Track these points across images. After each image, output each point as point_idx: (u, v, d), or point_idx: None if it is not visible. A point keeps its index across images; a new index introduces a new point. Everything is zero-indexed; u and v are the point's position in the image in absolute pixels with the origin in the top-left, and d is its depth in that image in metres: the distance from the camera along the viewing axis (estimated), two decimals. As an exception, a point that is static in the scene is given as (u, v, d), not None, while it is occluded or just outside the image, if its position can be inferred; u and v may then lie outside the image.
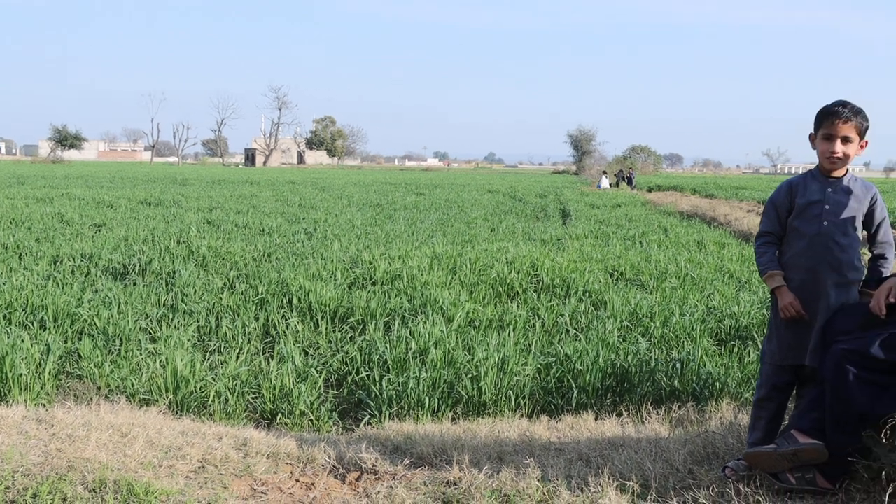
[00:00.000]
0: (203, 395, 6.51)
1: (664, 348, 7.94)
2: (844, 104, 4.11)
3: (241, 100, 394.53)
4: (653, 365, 7.09)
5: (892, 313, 3.67)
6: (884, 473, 3.60)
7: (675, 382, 6.86)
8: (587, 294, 10.33)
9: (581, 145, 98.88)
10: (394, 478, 4.39)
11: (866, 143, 4.19)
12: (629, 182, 53.37)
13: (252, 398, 6.66)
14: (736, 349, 7.95)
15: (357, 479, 4.45)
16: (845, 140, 4.10)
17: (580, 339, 8.01)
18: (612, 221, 22.17)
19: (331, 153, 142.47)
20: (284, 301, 9.41)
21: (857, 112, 4.09)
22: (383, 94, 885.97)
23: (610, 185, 53.80)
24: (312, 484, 4.39)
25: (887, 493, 3.45)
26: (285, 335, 8.22)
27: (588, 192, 42.63)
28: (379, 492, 4.16)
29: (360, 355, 7.43)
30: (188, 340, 7.78)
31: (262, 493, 4.23)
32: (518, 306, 9.64)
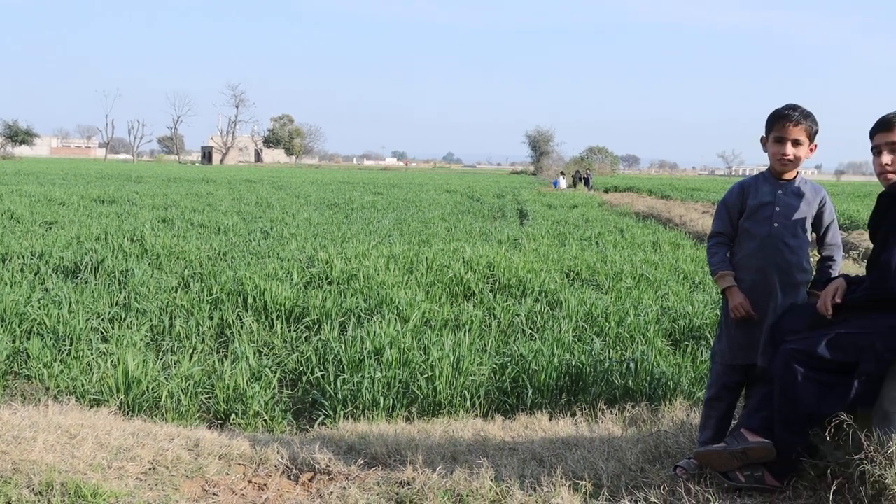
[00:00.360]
0: (155, 395, 6.43)
1: (619, 348, 7.99)
2: (795, 108, 4.17)
3: (197, 97, 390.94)
4: (607, 365, 7.14)
5: (839, 314, 3.73)
6: (829, 471, 3.66)
7: (629, 382, 6.91)
8: (543, 294, 10.37)
9: (539, 146, 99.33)
10: (347, 478, 4.37)
11: (815, 146, 4.25)
12: (586, 183, 53.72)
13: (205, 398, 6.59)
14: (689, 349, 8.03)
15: (310, 480, 4.42)
16: (796, 143, 4.16)
17: (535, 339, 8.04)
18: (568, 222, 22.29)
19: (289, 152, 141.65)
20: (239, 300, 9.33)
21: (807, 115, 4.16)
22: (342, 93, 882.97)
23: (567, 185, 54.10)
24: (265, 485, 4.35)
25: (832, 490, 3.51)
26: (240, 335, 8.15)
27: (545, 192, 42.83)
28: (332, 492, 4.13)
29: (315, 355, 7.39)
30: (141, 340, 7.68)
31: (214, 494, 4.19)
32: (474, 306, 9.65)
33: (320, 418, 6.39)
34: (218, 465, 4.50)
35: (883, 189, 3.78)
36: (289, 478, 4.48)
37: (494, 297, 10.24)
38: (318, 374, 7.03)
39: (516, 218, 24.68)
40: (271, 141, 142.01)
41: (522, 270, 11.63)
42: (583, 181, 54.80)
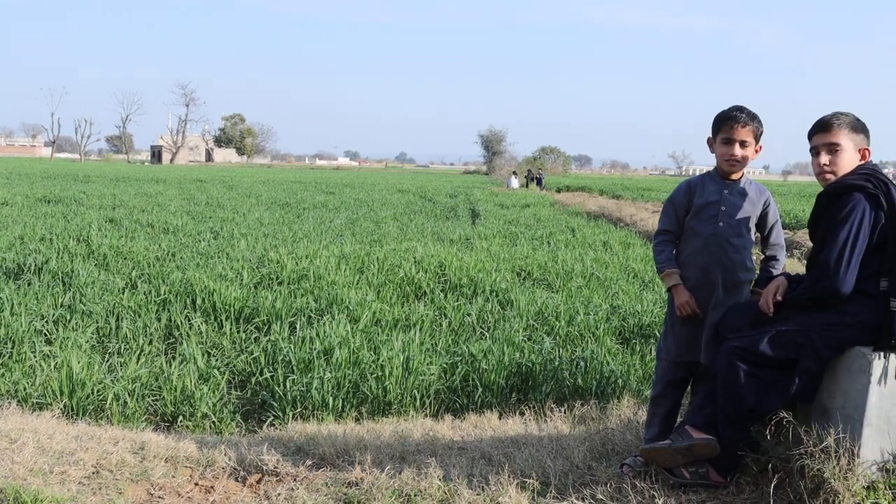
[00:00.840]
0: (100, 398, 6.33)
1: (569, 347, 8.04)
2: (741, 109, 4.23)
3: (146, 96, 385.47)
4: (557, 363, 7.18)
5: (780, 312, 3.79)
6: (770, 466, 3.73)
7: (579, 380, 6.96)
8: (494, 293, 10.41)
9: (492, 146, 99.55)
10: (295, 479, 4.34)
11: (761, 147, 4.32)
12: (538, 183, 53.95)
13: (152, 401, 6.50)
14: (638, 347, 8.11)
15: (258, 482, 4.39)
16: (743, 144, 4.22)
17: (486, 339, 8.06)
18: (520, 221, 22.38)
19: (240, 151, 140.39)
20: (188, 301, 9.23)
21: (753, 117, 4.22)
22: (295, 93, 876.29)
23: (519, 185, 54.31)
24: (212, 487, 4.31)
25: (772, 485, 3.57)
26: (188, 336, 8.06)
27: (498, 192, 42.96)
28: (280, 494, 4.11)
29: (265, 356, 7.34)
30: (86, 342, 7.56)
31: (160, 497, 4.14)
32: (425, 306, 9.65)
33: (269, 419, 6.34)
34: (164, 468, 4.45)
35: (822, 189, 3.84)
36: (236, 480, 4.45)
37: (445, 296, 10.25)
38: (268, 374, 6.98)
39: (468, 217, 24.72)
40: (222, 140, 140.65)
41: (474, 270, 11.66)
42: (535, 181, 55.04)
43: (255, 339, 8.11)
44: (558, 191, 49.01)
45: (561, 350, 7.76)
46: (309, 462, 4.57)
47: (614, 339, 8.41)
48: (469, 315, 9.17)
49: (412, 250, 13.29)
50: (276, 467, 4.48)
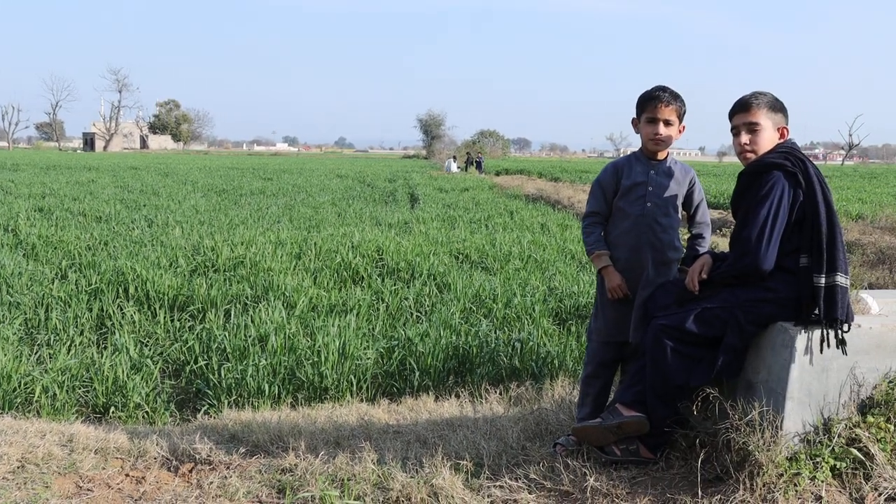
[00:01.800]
0: (28, 391, 6.20)
1: (506, 329, 8.08)
2: (664, 89, 4.27)
3: (77, 82, 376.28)
4: (493, 346, 7.22)
5: (705, 289, 3.85)
6: (698, 441, 3.79)
7: (515, 362, 7.01)
8: (432, 277, 10.42)
9: (431, 130, 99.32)
10: (228, 467, 4.30)
11: (684, 127, 4.36)
12: (478, 166, 54.02)
13: (83, 392, 6.39)
14: (574, 328, 8.19)
15: (190, 471, 4.33)
16: (667, 123, 4.25)
17: (423, 322, 8.06)
18: (459, 205, 22.41)
19: (176, 138, 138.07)
20: (121, 290, 9.08)
21: (676, 97, 4.26)
22: (231, 78, 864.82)
23: (458, 169, 54.33)
24: (143, 478, 4.24)
25: (700, 459, 3.63)
26: (121, 325, 7.93)
27: (437, 176, 42.93)
28: (212, 482, 4.06)
29: (199, 344, 7.25)
30: (13, 334, 7.39)
31: (89, 490, 4.06)
32: (362, 291, 9.62)
33: (204, 408, 6.28)
34: (93, 460, 4.36)
35: (743, 168, 3.91)
36: (168, 469, 4.38)
37: (383, 281, 10.23)
38: (202, 363, 6.90)
39: (407, 202, 24.70)
40: (157, 127, 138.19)
41: (412, 254, 11.66)
42: (474, 164, 55.10)
43: (189, 327, 8.01)
44: (497, 174, 49.16)
45: (498, 332, 7.79)
46: (243, 450, 4.52)
47: (551, 321, 8.48)
48: (406, 299, 9.17)
49: (350, 235, 13.23)
50: (209, 456, 4.43)
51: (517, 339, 7.41)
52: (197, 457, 4.43)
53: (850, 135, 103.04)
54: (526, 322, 8.25)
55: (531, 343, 7.28)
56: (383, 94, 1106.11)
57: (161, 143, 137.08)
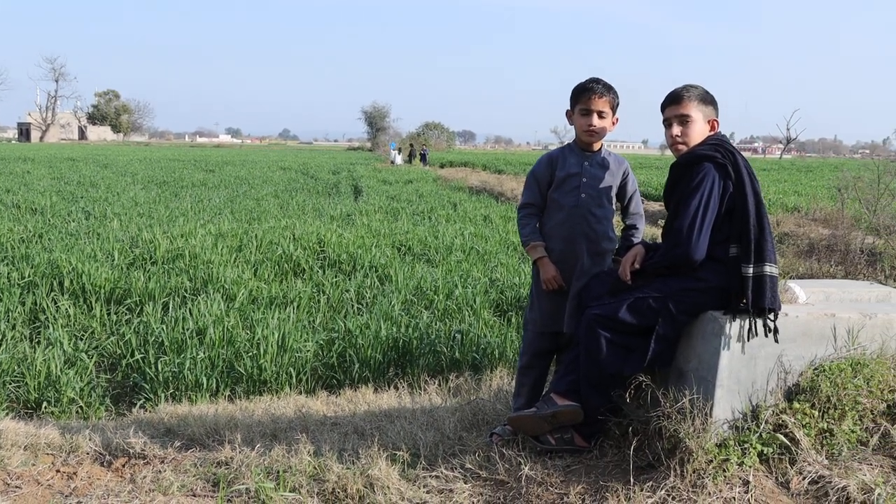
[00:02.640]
0: (-44, 387, 6.06)
1: (447, 320, 8.10)
2: (598, 81, 4.30)
3: (11, 70, 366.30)
4: (434, 337, 7.23)
5: (638, 279, 3.90)
6: (631, 429, 3.85)
7: (456, 353, 7.03)
8: (374, 269, 10.40)
9: (375, 122, 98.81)
10: (163, 461, 4.25)
11: (617, 119, 4.40)
12: (422, 158, 54.01)
13: (14, 388, 6.26)
14: (515, 319, 8.23)
15: (123, 466, 4.28)
16: (601, 115, 4.28)
17: (364, 314, 8.05)
18: (402, 197, 22.38)
19: (115, 129, 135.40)
20: (55, 283, 8.91)
21: (610, 88, 4.29)
22: (172, 69, 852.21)
23: (403, 161, 54.27)
24: (74, 473, 4.17)
25: (632, 447, 3.68)
26: (55, 319, 7.78)
27: (381, 168, 42.84)
28: (145, 476, 4.01)
29: (136, 337, 7.15)
30: (-58, 329, 7.21)
31: (17, 486, 3.98)
32: (303, 283, 9.57)
33: (140, 402, 6.20)
34: (23, 456, 4.28)
35: (675, 160, 3.96)
36: (101, 465, 4.32)
37: (324, 273, 10.19)
38: (139, 356, 6.81)
39: (351, 194, 24.60)
40: (96, 118, 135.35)
41: (353, 246, 11.63)
42: (419, 157, 55.08)
43: (126, 320, 7.89)
44: (441, 166, 49.18)
45: (439, 324, 7.81)
46: (178, 443, 4.48)
47: (491, 312, 8.52)
48: (348, 291, 9.14)
49: (291, 227, 13.14)
50: (143, 450, 4.37)
51: (457, 330, 7.43)
52: (131, 451, 4.38)
53: (788, 129, 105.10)
54: (467, 314, 8.28)
55: (471, 334, 7.31)
56: (328, 86, 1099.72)
57: (100, 134, 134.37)
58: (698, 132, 3.88)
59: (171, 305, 8.17)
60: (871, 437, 3.70)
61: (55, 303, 8.28)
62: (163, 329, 7.17)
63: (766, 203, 19.69)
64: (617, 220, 4.49)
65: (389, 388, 6.34)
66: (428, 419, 4.80)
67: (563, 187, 4.37)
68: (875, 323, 3.84)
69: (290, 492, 3.73)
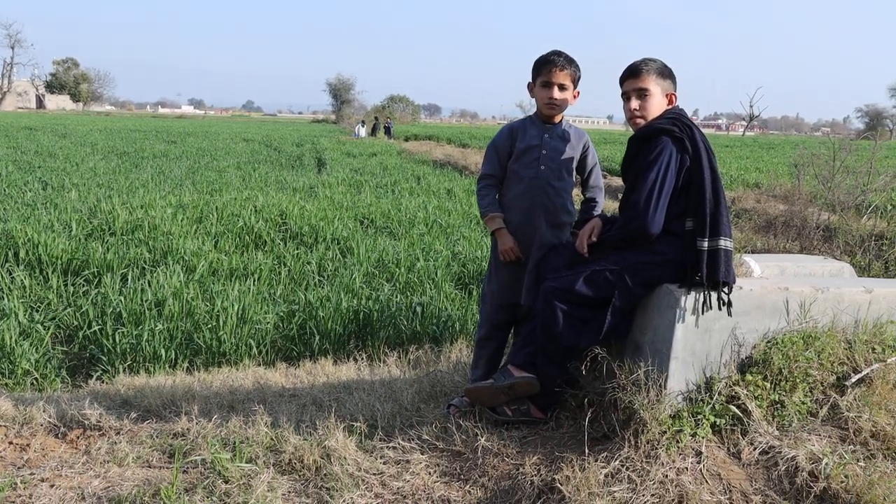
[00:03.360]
0: None
1: (408, 293, 8.10)
2: (559, 53, 4.29)
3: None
4: (394, 310, 7.23)
5: (596, 252, 3.92)
6: (586, 400, 3.88)
7: (416, 326, 7.04)
8: (336, 242, 10.37)
9: (340, 94, 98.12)
10: (118, 433, 4.22)
11: (578, 92, 4.40)
12: (387, 131, 53.76)
13: (-33, 360, 6.17)
14: (476, 292, 8.25)
15: (78, 437, 4.24)
16: (562, 87, 4.28)
17: (325, 287, 8.03)
18: (366, 170, 22.30)
19: (75, 98, 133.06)
20: (10, 254, 8.78)
21: (571, 61, 4.29)
22: (134, 37, 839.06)
23: (367, 134, 54.00)
24: (27, 445, 4.13)
25: (587, 419, 3.72)
26: (10, 290, 7.67)
27: (346, 141, 42.58)
28: (100, 448, 3.98)
29: (94, 309, 7.07)
30: None
31: (-31, 457, 3.94)
32: (264, 255, 9.52)
33: (97, 374, 6.14)
34: (-25, 428, 4.24)
35: (633, 133, 3.97)
36: (55, 436, 4.28)
37: (285, 245, 10.14)
38: (96, 328, 6.74)
39: (314, 166, 24.45)
40: (55, 86, 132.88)
41: (316, 218, 11.57)
42: (384, 130, 54.83)
43: (84, 292, 7.80)
44: (406, 139, 49.02)
45: (400, 297, 7.81)
46: (134, 415, 4.45)
47: (453, 285, 8.53)
48: (309, 263, 9.11)
49: (253, 199, 13.05)
50: (98, 421, 4.34)
51: (418, 303, 7.44)
52: (86, 423, 4.34)
53: (751, 106, 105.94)
54: (428, 287, 8.28)
55: (432, 307, 7.32)
56: (293, 57, 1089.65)
57: (59, 103, 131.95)
58: (656, 106, 3.89)
59: (129, 277, 8.08)
60: (821, 408, 3.76)
61: (10, 274, 8.17)
62: (121, 300, 7.10)
63: (728, 179, 19.94)
64: (577, 193, 4.50)
65: (349, 360, 6.34)
66: (386, 391, 4.81)
67: (522, 159, 4.36)
68: (827, 297, 3.89)
69: (246, 463, 3.72)
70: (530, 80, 4.39)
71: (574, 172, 4.48)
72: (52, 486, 3.57)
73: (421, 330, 7.01)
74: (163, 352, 6.32)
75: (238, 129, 58.97)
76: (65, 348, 6.66)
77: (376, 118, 62.87)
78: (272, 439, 3.96)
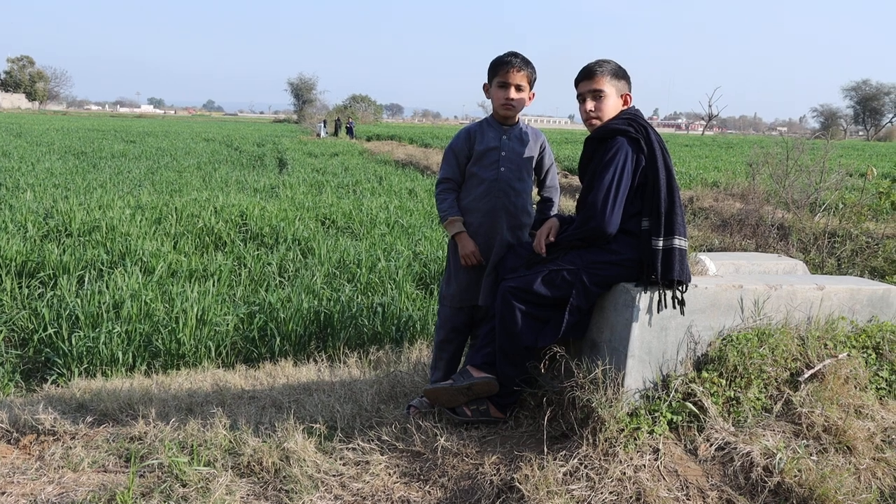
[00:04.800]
0: None
1: (369, 294, 8.08)
2: (515, 55, 4.30)
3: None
4: (355, 310, 7.22)
5: (553, 252, 3.94)
6: (545, 400, 3.90)
7: (377, 326, 7.03)
8: (296, 242, 10.32)
9: (302, 94, 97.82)
10: (73, 437, 4.17)
11: (534, 94, 4.42)
12: (349, 131, 53.64)
13: (-83, 365, 6.07)
14: (437, 292, 8.25)
15: (31, 443, 4.18)
16: (518, 88, 4.29)
17: (286, 287, 7.99)
18: (328, 170, 22.23)
19: (31, 97, 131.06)
20: (-38, 257, 8.63)
21: (527, 63, 4.30)
22: (91, 35, 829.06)
23: (328, 133, 53.83)
24: (-21, 451, 4.07)
25: (546, 417, 3.74)
26: (-38, 294, 7.55)
27: (307, 141, 42.42)
28: (54, 453, 3.93)
29: (49, 311, 6.98)
30: None
31: (-82, 465, 3.87)
32: (224, 256, 9.45)
33: (52, 378, 6.06)
34: (-76, 435, 4.16)
35: (589, 134, 4.00)
36: (8, 442, 4.21)
37: (246, 245, 10.08)
38: (52, 331, 6.65)
39: (275, 166, 24.32)
40: (9, 85, 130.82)
41: (276, 219, 11.52)
42: (345, 129, 54.69)
43: (39, 294, 7.70)
44: (368, 139, 48.92)
45: (361, 297, 7.79)
46: (90, 419, 4.40)
47: (414, 285, 8.53)
48: (270, 264, 9.06)
49: (213, 200, 12.95)
50: (53, 426, 4.28)
51: (379, 303, 7.43)
52: (40, 428, 4.28)
53: (710, 106, 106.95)
54: (389, 287, 8.27)
55: (393, 307, 7.32)
56: (254, 57, 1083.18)
57: (14, 101, 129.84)
58: (612, 107, 3.93)
59: (86, 279, 7.98)
60: (775, 404, 3.82)
61: (-37, 277, 8.04)
62: (77, 303, 7.01)
63: (687, 178, 20.11)
64: (532, 193, 4.52)
65: (309, 361, 6.32)
66: (346, 392, 4.80)
67: (482, 161, 4.37)
68: (780, 294, 3.95)
69: (204, 466, 3.69)
70: (486, 82, 4.40)
71: (532, 173, 4.50)
72: (2, 493, 3.52)
73: (382, 330, 7.01)
74: (120, 355, 6.25)
75: (199, 128, 58.49)
76: (19, 352, 6.57)
77: (338, 118, 62.67)
78: (231, 442, 3.94)
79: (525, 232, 4.41)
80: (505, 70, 4.26)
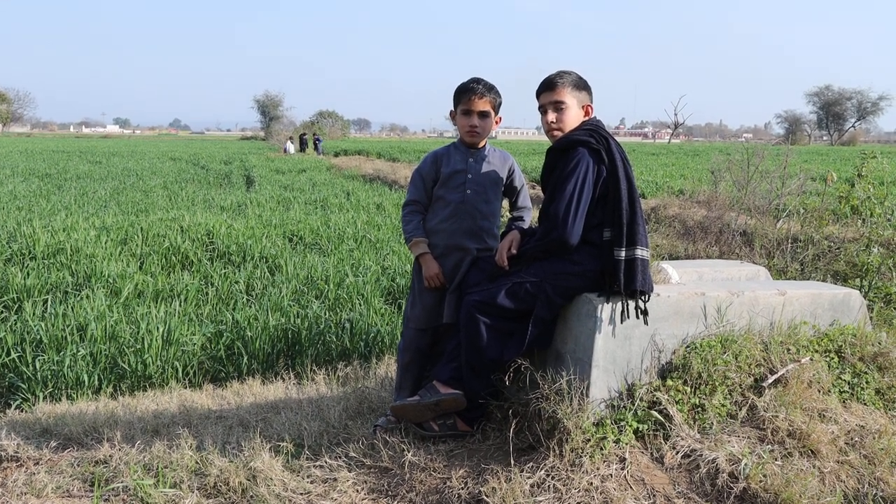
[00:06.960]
0: None
1: (337, 310, 8.05)
2: (479, 81, 4.32)
3: None
4: (323, 327, 7.19)
5: (516, 264, 3.95)
6: (511, 412, 3.91)
7: (346, 342, 7.00)
8: (264, 259, 10.28)
9: (268, 111, 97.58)
10: (37, 463, 4.12)
11: (500, 118, 4.44)
12: (316, 147, 53.57)
13: None
14: (405, 306, 8.23)
15: (-6, 470, 4.12)
16: (482, 115, 4.30)
17: (253, 306, 7.95)
18: (296, 187, 22.18)
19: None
20: (-76, 282, 8.51)
21: (491, 88, 4.31)
22: (54, 56, 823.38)
23: (296, 150, 53.73)
24: (-60, 480, 4.00)
25: (512, 429, 3.74)
26: (-77, 320, 7.43)
27: (275, 157, 42.29)
28: (17, 479, 3.87)
29: (12, 336, 6.88)
30: None
31: None
32: (191, 275, 9.39)
33: (16, 403, 5.98)
34: None
35: (551, 145, 4.02)
36: (-29, 469, 4.15)
37: (212, 264, 10.01)
38: (15, 356, 6.56)
39: (243, 184, 24.23)
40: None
41: (243, 237, 11.47)
42: (312, 145, 54.61)
43: (2, 318, 7.59)
44: (336, 155, 48.86)
45: (329, 313, 7.76)
46: (54, 443, 4.34)
47: (382, 300, 8.50)
48: (237, 283, 9.01)
49: (179, 219, 12.86)
50: (16, 452, 4.22)
51: (347, 319, 7.41)
52: (2, 454, 4.22)
53: (676, 114, 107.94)
54: (357, 302, 8.25)
55: (361, 323, 7.30)
56: (220, 74, 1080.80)
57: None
58: (573, 118, 3.96)
59: (50, 302, 7.90)
60: (740, 409, 3.85)
61: (-76, 302, 7.92)
62: (41, 326, 6.93)
63: (654, 187, 20.26)
64: (504, 211, 4.52)
65: (277, 379, 6.28)
66: (314, 409, 4.78)
67: (448, 184, 4.37)
68: (742, 300, 3.99)
69: (170, 488, 3.66)
70: (452, 109, 4.41)
71: (500, 196, 4.51)
72: (-35, 521, 3.47)
73: (350, 346, 6.98)
74: (86, 377, 6.18)
75: (165, 147, 58.21)
76: (-19, 378, 6.47)
77: (304, 132, 62.55)
78: (197, 462, 3.91)
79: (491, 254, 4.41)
80: (468, 97, 4.27)
